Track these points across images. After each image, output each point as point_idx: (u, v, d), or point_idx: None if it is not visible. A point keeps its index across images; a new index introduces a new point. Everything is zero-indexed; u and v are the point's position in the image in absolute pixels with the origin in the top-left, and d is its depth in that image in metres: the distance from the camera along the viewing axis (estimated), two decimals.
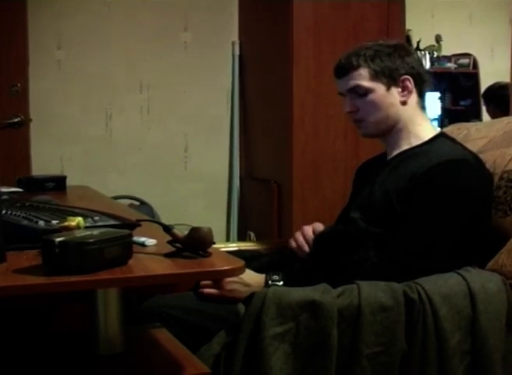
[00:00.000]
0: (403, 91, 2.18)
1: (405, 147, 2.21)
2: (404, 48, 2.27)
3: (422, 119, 2.23)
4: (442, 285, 1.89)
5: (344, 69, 2.20)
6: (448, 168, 2.04)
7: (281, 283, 1.98)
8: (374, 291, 1.83)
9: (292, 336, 1.77)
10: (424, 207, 2.02)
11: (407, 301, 1.84)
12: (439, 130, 2.31)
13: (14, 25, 4.51)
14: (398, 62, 2.18)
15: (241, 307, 1.81)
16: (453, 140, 2.24)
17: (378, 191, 2.15)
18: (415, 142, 2.19)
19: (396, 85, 2.17)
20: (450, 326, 1.85)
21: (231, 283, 1.97)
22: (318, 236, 2.18)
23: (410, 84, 2.18)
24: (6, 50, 4.49)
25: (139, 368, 1.67)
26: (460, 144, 2.22)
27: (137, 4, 4.92)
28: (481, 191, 2.10)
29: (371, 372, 1.81)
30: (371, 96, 2.17)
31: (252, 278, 1.99)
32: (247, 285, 1.98)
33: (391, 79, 2.17)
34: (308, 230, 2.23)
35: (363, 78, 2.16)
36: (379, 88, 2.17)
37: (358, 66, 2.17)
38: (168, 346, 1.74)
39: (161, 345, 1.75)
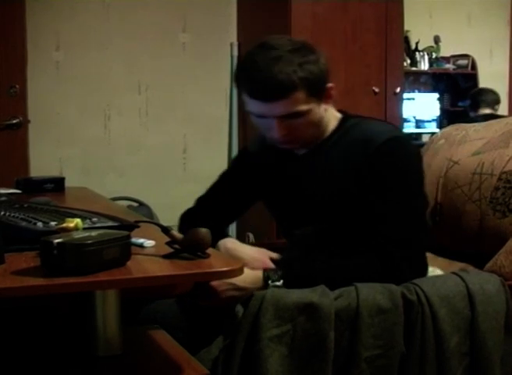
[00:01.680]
0: (328, 98, 2.02)
1: (318, 138, 2.07)
2: (312, 46, 2.05)
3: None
4: (440, 286, 1.89)
5: (276, 94, 1.90)
6: (392, 147, 1.99)
7: (280, 282, 1.91)
8: (372, 293, 1.83)
9: (289, 338, 1.77)
10: (392, 191, 1.98)
11: (406, 303, 1.84)
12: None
13: (12, 26, 4.51)
14: (321, 68, 1.97)
15: (239, 309, 1.81)
16: (361, 116, 2.14)
17: (319, 194, 2.06)
18: (326, 131, 2.07)
19: (324, 97, 2.00)
20: (449, 327, 1.85)
21: (224, 292, 1.86)
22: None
23: (334, 91, 2.03)
24: (4, 51, 4.49)
25: (137, 369, 1.67)
26: (375, 119, 2.18)
27: (136, 5, 4.93)
28: (421, 163, 2.10)
29: None
30: (307, 117, 1.97)
31: (247, 279, 1.88)
32: (241, 289, 1.88)
33: (321, 92, 1.98)
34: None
35: (299, 102, 1.92)
36: (314, 107, 1.96)
37: (293, 89, 1.90)
38: (167, 348, 1.74)
39: (159, 347, 1.75)
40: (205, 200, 2.34)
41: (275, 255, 2.05)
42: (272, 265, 1.98)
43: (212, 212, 2.28)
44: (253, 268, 1.90)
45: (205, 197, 2.35)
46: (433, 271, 2.13)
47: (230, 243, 2.07)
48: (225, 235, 2.15)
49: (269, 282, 1.90)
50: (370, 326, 1.80)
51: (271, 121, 1.95)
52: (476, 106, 5.93)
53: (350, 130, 2.06)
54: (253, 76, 1.93)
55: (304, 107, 1.93)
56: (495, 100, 5.93)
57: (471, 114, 5.93)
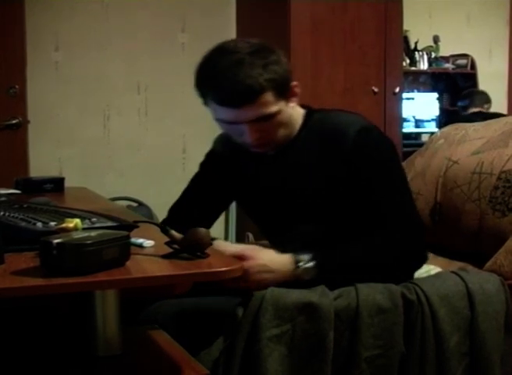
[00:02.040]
0: (293, 96, 2.00)
1: (288, 137, 2.04)
2: (271, 46, 1.98)
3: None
4: (440, 286, 1.89)
5: (245, 99, 1.87)
6: (367, 137, 1.99)
7: (312, 263, 1.87)
8: (372, 293, 1.83)
9: (288, 338, 1.77)
10: (378, 181, 1.99)
11: (406, 303, 1.84)
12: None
13: (12, 27, 4.51)
14: (284, 67, 1.93)
15: (239, 309, 1.81)
16: (324, 109, 2.13)
17: (299, 192, 2.05)
18: (294, 129, 2.05)
19: (290, 95, 1.98)
20: (449, 327, 1.85)
21: (256, 274, 1.84)
22: None
23: (298, 88, 2.00)
24: (4, 52, 4.49)
25: (137, 369, 1.67)
26: (339, 111, 2.15)
27: (135, 5, 4.93)
28: (394, 147, 2.11)
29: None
30: (277, 118, 1.94)
31: (276, 262, 1.87)
32: (272, 271, 1.86)
33: (288, 91, 1.95)
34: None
35: (269, 104, 1.90)
36: (283, 106, 1.94)
37: (262, 91, 1.87)
38: (167, 348, 1.74)
39: (159, 347, 1.75)
40: (178, 208, 2.31)
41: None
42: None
43: (187, 219, 2.18)
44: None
45: (178, 204, 2.32)
46: (434, 269, 2.13)
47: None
48: None
49: (299, 264, 1.87)
50: (370, 326, 1.80)
51: (242, 127, 1.93)
52: (466, 106, 6.07)
53: (318, 124, 2.05)
54: (219, 83, 1.89)
55: (273, 108, 1.91)
56: (483, 99, 6.07)
57: (463, 113, 6.05)
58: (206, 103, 1.98)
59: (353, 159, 1.96)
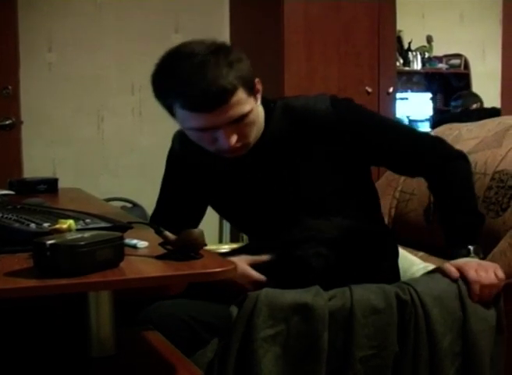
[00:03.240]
0: (257, 93, 1.92)
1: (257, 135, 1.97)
2: (226, 44, 1.92)
3: None
4: (433, 287, 1.89)
5: (218, 100, 1.77)
6: (343, 104, 2.00)
7: (473, 248, 1.95)
8: (366, 294, 1.83)
9: (282, 338, 1.77)
10: (388, 132, 2.03)
11: (399, 303, 1.84)
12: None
13: (4, 27, 4.51)
14: (247, 64, 1.86)
15: (233, 309, 1.81)
16: (279, 97, 2.08)
17: (299, 188, 1.99)
18: (261, 125, 1.98)
19: (255, 92, 1.90)
20: (442, 327, 1.85)
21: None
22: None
23: (260, 85, 1.93)
24: None
25: (131, 370, 1.67)
26: (295, 96, 2.10)
27: (128, 5, 4.92)
28: None
29: None
30: (250, 117, 1.86)
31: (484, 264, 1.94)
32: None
33: (253, 88, 1.88)
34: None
35: (242, 103, 1.82)
36: (253, 104, 1.87)
37: (234, 90, 1.78)
38: (161, 349, 1.74)
39: (153, 348, 1.75)
40: (158, 215, 2.25)
41: (262, 258, 2.00)
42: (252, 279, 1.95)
43: (171, 224, 2.20)
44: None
45: (157, 212, 2.27)
46: (429, 266, 2.13)
47: None
48: None
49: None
50: (364, 326, 1.80)
51: (216, 133, 1.85)
52: (459, 106, 6.19)
53: (284, 113, 1.99)
54: (187, 89, 1.79)
55: (247, 107, 1.83)
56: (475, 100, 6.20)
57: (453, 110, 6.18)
58: (173, 113, 1.88)
59: (343, 131, 1.94)
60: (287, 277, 1.93)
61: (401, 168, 2.14)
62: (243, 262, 1.95)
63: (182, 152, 2.14)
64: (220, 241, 4.99)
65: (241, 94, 1.80)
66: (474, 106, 6.16)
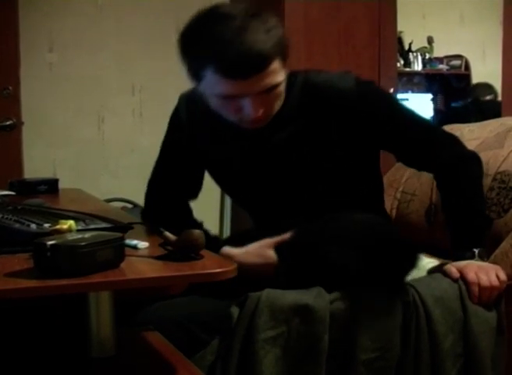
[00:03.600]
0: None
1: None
2: (266, 12, 1.82)
3: None
4: (435, 287, 1.88)
5: (256, 67, 1.68)
6: (368, 87, 1.97)
7: (477, 251, 1.94)
8: (369, 296, 1.82)
9: (283, 340, 1.76)
10: (407, 120, 2.01)
11: (401, 304, 1.84)
12: None
13: (5, 27, 4.50)
14: (283, 31, 1.79)
15: (234, 310, 1.80)
16: (300, 70, 1.99)
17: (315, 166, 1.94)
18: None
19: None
20: (443, 328, 1.84)
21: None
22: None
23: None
24: None
25: (130, 371, 1.66)
26: (318, 70, 2.04)
27: (129, 6, 4.92)
28: None
29: None
30: (279, 88, 1.80)
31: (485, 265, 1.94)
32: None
33: (287, 59, 1.79)
34: None
35: (276, 73, 1.74)
36: (284, 75, 1.80)
37: (271, 59, 1.70)
38: (161, 350, 1.74)
39: (153, 349, 1.74)
40: (154, 183, 2.18)
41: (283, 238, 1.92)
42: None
43: (168, 193, 2.14)
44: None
45: (153, 181, 2.19)
46: (432, 262, 2.12)
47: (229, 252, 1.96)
48: (196, 222, 2.08)
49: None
50: (368, 328, 1.79)
51: (244, 101, 1.76)
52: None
53: (305, 87, 1.93)
54: (224, 52, 1.67)
55: (280, 77, 1.76)
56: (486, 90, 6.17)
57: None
58: (200, 77, 1.77)
59: (362, 111, 1.90)
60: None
61: (411, 159, 2.09)
62: (265, 248, 1.91)
63: (188, 117, 2.05)
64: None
65: (277, 63, 1.72)
66: (488, 98, 6.12)
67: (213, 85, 1.75)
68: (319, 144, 1.93)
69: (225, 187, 2.19)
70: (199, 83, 1.80)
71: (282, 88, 1.81)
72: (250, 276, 1.84)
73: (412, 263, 1.88)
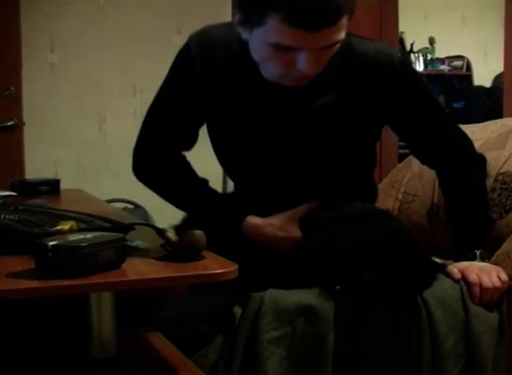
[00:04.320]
0: None
1: None
2: None
3: None
4: (436, 288, 1.88)
5: (328, 20, 1.58)
6: (407, 69, 1.95)
7: (478, 252, 1.95)
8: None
9: (287, 340, 1.76)
10: (434, 109, 2.01)
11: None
12: None
13: (7, 28, 4.50)
14: None
15: (237, 310, 1.80)
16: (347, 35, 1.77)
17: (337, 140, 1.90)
18: None
19: None
20: (445, 329, 1.84)
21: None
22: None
23: None
24: None
25: (132, 371, 1.66)
26: (360, 37, 1.92)
27: (130, 6, 4.92)
28: None
29: None
30: (336, 47, 1.70)
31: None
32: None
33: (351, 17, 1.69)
34: None
35: (342, 29, 1.64)
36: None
37: (343, 14, 1.61)
38: (163, 350, 1.73)
39: (154, 349, 1.74)
40: (155, 132, 2.06)
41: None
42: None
43: (171, 144, 2.05)
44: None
45: (147, 130, 2.09)
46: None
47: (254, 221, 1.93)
48: (200, 177, 2.06)
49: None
50: (373, 328, 1.79)
51: (299, 54, 1.64)
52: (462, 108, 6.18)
53: (349, 54, 1.84)
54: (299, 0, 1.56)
55: (343, 35, 1.64)
56: None
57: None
58: (260, 23, 1.62)
59: (400, 89, 1.88)
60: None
61: (422, 147, 2.06)
62: (290, 222, 1.91)
63: (203, 63, 1.89)
64: None
65: (345, 19, 1.62)
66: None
67: (274, 33, 1.62)
68: (356, 114, 1.88)
69: (224, 146, 2.03)
70: (253, 29, 1.68)
71: (336, 47, 1.70)
72: (273, 248, 1.87)
73: (429, 283, 1.86)
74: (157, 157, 2.09)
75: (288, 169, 1.94)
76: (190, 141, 2.05)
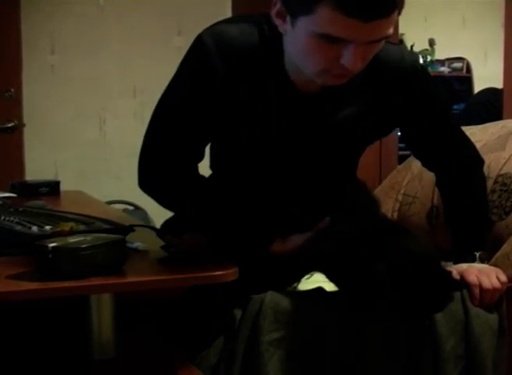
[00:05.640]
0: None
1: None
2: None
3: None
4: None
5: (384, 10, 1.50)
6: (424, 74, 1.91)
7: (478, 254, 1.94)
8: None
9: (288, 342, 1.76)
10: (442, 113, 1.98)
11: None
12: None
13: (7, 30, 4.50)
14: None
15: (237, 312, 1.80)
16: None
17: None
18: None
19: None
20: (445, 330, 1.84)
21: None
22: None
23: None
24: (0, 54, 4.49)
25: (131, 373, 1.66)
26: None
27: (131, 8, 4.92)
28: None
29: None
30: (381, 44, 1.62)
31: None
32: None
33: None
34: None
35: (392, 24, 1.55)
36: None
37: (396, 8, 1.53)
38: (162, 351, 1.74)
39: (154, 350, 1.74)
40: (168, 143, 1.83)
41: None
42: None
43: (188, 156, 1.87)
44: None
45: (164, 140, 1.84)
46: None
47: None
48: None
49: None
50: (375, 331, 1.79)
51: (346, 48, 1.55)
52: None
53: (374, 60, 1.70)
54: None
55: (391, 30, 1.56)
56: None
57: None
58: (310, 11, 1.52)
59: (418, 93, 1.85)
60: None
61: (427, 151, 2.03)
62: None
63: (224, 63, 1.72)
64: None
65: (395, 15, 1.54)
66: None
67: (323, 23, 1.52)
68: (376, 123, 1.85)
69: (234, 147, 1.90)
70: (297, 20, 1.57)
71: (381, 45, 1.62)
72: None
73: (444, 304, 1.83)
74: (170, 172, 1.87)
75: (296, 171, 1.89)
76: (203, 151, 1.90)
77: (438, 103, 1.95)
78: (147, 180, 1.93)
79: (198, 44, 1.73)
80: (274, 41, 1.71)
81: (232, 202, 1.87)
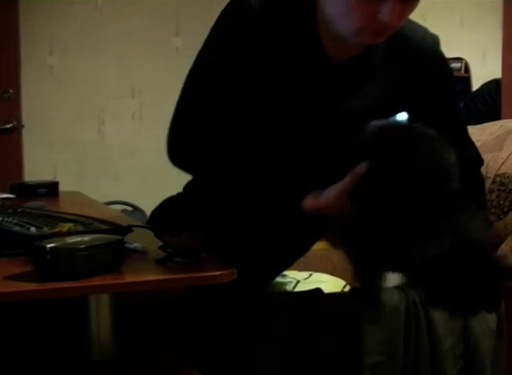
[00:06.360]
0: None
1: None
2: None
3: None
4: None
5: None
6: (443, 59, 1.93)
7: None
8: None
9: (287, 342, 1.76)
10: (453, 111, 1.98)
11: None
12: None
13: (6, 31, 4.51)
14: None
15: (236, 311, 1.80)
16: None
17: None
18: None
19: None
20: (443, 330, 1.84)
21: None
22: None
23: None
24: None
25: (131, 374, 1.66)
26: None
27: (129, 9, 4.93)
28: None
29: None
30: (417, 3, 1.65)
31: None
32: None
33: None
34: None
35: None
36: None
37: None
38: (162, 352, 1.73)
39: (154, 351, 1.74)
40: (203, 119, 1.80)
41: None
42: None
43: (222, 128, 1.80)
44: None
45: (198, 117, 1.81)
46: None
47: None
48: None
49: None
50: (372, 332, 1.79)
51: (384, 4, 1.57)
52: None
53: (396, 36, 1.75)
54: None
55: None
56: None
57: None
58: None
59: (437, 78, 1.86)
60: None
61: None
62: (344, 199, 1.62)
63: (257, 33, 1.75)
64: None
65: None
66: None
67: None
68: (391, 107, 1.81)
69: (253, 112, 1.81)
70: None
71: (418, 4, 1.65)
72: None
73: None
74: (206, 135, 1.81)
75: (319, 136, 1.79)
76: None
77: (450, 94, 1.94)
78: (182, 147, 1.91)
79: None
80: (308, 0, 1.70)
81: (267, 159, 1.76)
